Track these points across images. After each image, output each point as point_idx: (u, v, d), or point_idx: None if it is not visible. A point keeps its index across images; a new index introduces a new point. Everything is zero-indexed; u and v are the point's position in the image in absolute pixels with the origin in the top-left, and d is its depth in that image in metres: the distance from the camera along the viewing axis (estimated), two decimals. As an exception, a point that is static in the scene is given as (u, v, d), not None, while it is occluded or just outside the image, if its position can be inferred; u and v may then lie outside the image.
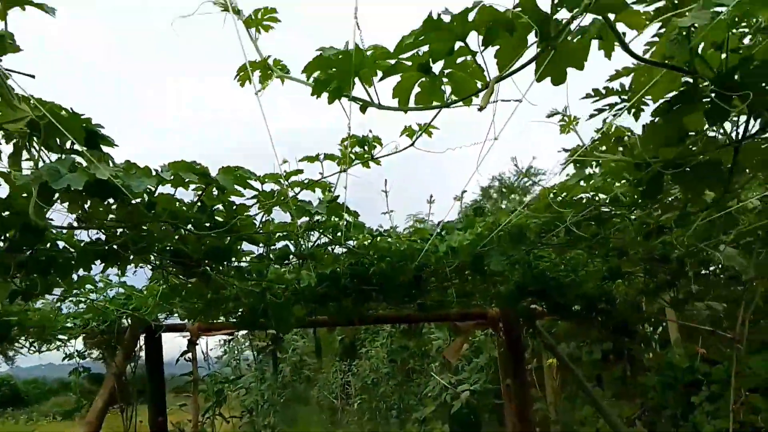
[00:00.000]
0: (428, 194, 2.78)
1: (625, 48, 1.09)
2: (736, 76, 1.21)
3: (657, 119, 1.32)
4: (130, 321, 4.24)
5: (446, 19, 0.97)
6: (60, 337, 4.25)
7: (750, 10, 1.15)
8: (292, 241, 2.42)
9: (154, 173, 1.64)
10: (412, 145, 1.41)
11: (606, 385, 6.67)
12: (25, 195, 1.83)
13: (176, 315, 4.31)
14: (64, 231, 2.24)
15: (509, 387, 5.13)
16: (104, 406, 3.92)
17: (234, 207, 1.99)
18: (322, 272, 2.79)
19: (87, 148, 1.77)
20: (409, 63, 1.09)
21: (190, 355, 5.33)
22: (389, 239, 2.64)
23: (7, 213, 1.96)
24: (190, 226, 1.92)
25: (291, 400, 12.21)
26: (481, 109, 0.98)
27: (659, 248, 2.87)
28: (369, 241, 2.59)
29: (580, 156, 1.66)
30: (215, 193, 1.92)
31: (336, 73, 1.08)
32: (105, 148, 1.79)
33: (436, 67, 1.11)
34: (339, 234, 2.41)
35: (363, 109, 1.14)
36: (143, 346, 4.67)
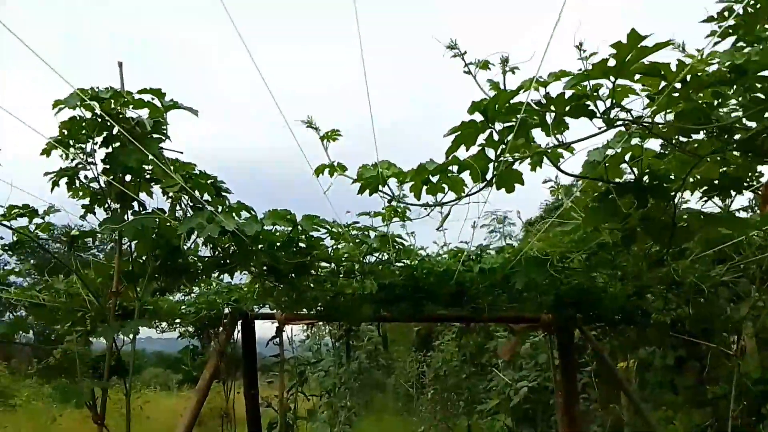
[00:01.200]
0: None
1: (558, 169, 1.69)
2: (645, 179, 1.78)
3: (598, 203, 1.90)
4: (230, 310, 5.16)
5: (430, 167, 1.64)
6: (176, 321, 5.28)
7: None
8: (356, 261, 3.14)
9: (259, 220, 2.41)
10: (428, 215, 2.07)
11: (680, 392, 6.67)
12: (169, 224, 2.65)
13: (267, 306, 5.19)
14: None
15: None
16: (210, 378, 4.85)
17: (312, 238, 2.74)
18: (381, 282, 3.49)
19: (216, 197, 2.58)
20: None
21: (277, 339, 6.23)
22: (432, 261, 3.31)
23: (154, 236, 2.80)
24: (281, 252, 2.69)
25: (367, 385, 13.08)
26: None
27: (670, 274, 3.32)
28: (416, 262, 3.28)
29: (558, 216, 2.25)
30: (300, 229, 2.68)
31: (370, 180, 1.76)
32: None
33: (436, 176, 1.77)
34: (393, 255, 3.10)
35: (389, 202, 1.82)
36: (240, 331, 5.59)
